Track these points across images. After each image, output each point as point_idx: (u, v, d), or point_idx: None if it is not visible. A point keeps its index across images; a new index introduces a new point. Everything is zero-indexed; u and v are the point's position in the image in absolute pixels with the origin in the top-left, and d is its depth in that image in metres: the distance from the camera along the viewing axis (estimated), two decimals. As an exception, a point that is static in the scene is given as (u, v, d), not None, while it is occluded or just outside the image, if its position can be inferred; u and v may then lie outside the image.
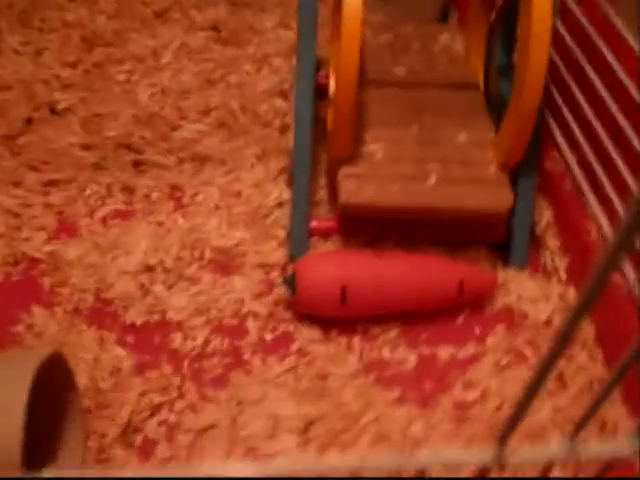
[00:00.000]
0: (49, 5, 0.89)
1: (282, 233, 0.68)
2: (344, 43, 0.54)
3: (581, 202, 0.66)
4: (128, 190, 0.71)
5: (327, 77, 0.73)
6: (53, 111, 0.78)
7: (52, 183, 0.71)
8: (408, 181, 0.62)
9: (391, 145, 0.65)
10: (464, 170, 0.63)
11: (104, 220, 0.68)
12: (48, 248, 0.66)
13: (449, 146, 0.66)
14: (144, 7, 0.90)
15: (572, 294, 0.64)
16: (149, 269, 0.64)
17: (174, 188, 0.72)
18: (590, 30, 0.65)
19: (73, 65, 0.82)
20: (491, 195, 0.61)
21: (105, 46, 0.84)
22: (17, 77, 0.80)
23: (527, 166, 0.64)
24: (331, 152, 0.65)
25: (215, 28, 0.90)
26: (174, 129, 0.76)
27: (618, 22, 0.61)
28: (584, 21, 0.67)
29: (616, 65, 0.60)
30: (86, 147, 0.74)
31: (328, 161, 0.71)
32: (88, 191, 0.70)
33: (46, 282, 0.63)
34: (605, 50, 0.62)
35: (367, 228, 0.66)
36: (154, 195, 0.71)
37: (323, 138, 0.71)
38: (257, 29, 0.90)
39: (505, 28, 0.71)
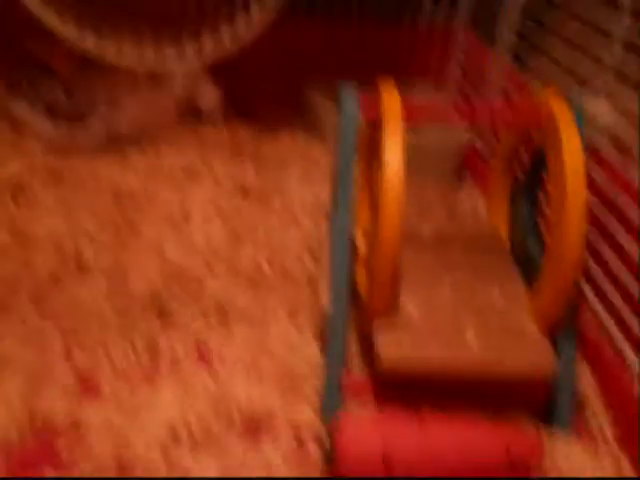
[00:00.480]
0: (83, 165, 0.93)
1: (314, 393, 0.65)
2: (386, 212, 0.55)
3: (621, 361, 0.64)
4: (154, 348, 0.69)
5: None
6: (81, 267, 0.78)
7: (76, 343, 0.69)
8: (447, 344, 0.60)
9: (427, 304, 0.65)
10: (503, 333, 0.62)
11: (128, 380, 0.65)
12: (68, 409, 0.62)
13: (484, 307, 0.65)
14: (174, 167, 0.94)
15: (623, 463, 0.60)
16: (174, 434, 0.61)
17: (201, 345, 0.70)
18: (612, 189, 0.68)
19: (103, 223, 0.83)
20: (533, 357, 0.60)
21: (136, 204, 0.86)
22: (47, 232, 0.81)
23: (566, 326, 0.63)
24: (366, 314, 0.64)
25: (242, 186, 0.93)
26: (202, 285, 0.76)
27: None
28: (602, 181, 0.69)
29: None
30: (112, 304, 0.73)
31: (361, 320, 0.70)
32: (113, 351, 0.68)
33: (63, 445, 0.59)
34: (631, 209, 0.64)
35: (403, 388, 0.64)
36: (180, 353, 0.69)
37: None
38: (282, 185, 0.94)
39: (528, 187, 0.74)
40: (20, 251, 0.79)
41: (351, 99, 0.62)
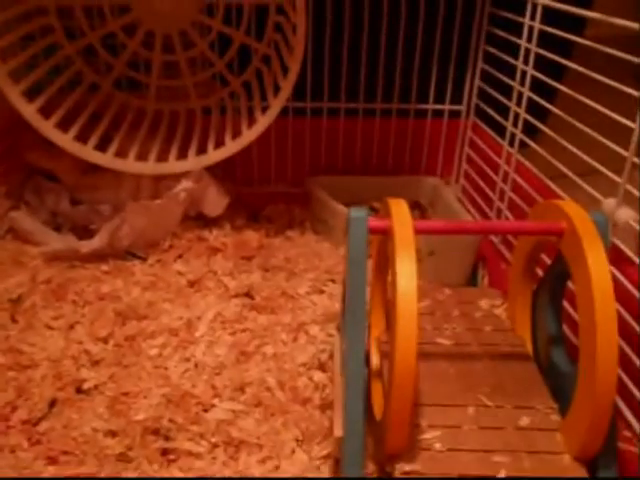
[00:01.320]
0: (85, 278, 0.90)
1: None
2: (400, 339, 0.51)
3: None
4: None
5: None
6: (79, 390, 0.73)
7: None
8: (475, 480, 0.55)
9: (449, 432, 0.59)
10: (535, 464, 0.56)
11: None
12: None
13: (512, 432, 0.60)
14: (179, 277, 0.91)
15: None
16: None
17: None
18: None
19: (104, 340, 0.80)
20: (573, 496, 0.54)
21: (138, 319, 0.83)
22: (45, 354, 0.77)
23: (605, 454, 0.57)
24: (381, 441, 0.59)
25: (249, 294, 0.90)
26: (206, 410, 0.71)
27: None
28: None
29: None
30: (111, 433, 0.68)
31: (376, 444, 0.65)
32: (109, 487, 0.62)
33: None
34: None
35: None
36: (183, 489, 0.63)
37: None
38: (290, 295, 0.90)
39: (552, 294, 0.70)
40: (15, 374, 0.75)
41: (361, 225, 0.59)
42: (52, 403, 0.72)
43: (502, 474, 0.55)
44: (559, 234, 0.60)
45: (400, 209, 0.60)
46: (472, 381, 0.66)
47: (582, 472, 0.56)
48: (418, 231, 0.58)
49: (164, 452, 0.67)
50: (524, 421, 0.61)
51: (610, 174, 0.69)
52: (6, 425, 0.69)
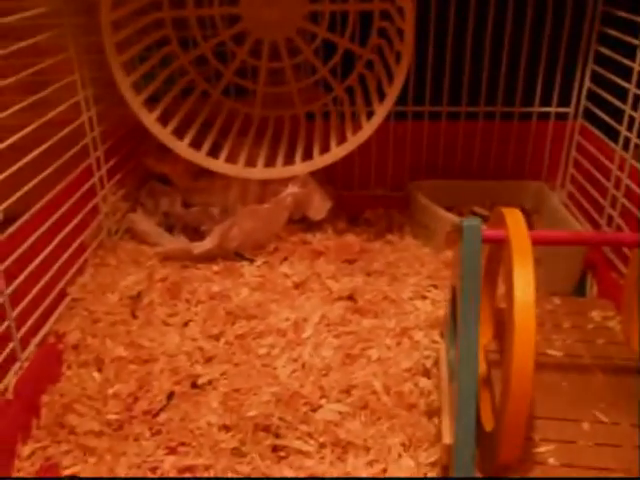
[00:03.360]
0: (198, 277, 0.95)
1: None
2: (517, 351, 0.51)
3: None
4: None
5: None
6: (194, 385, 0.78)
7: (189, 469, 0.67)
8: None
9: (563, 447, 0.58)
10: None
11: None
12: None
13: (630, 451, 0.58)
14: (285, 279, 0.94)
15: None
16: None
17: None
18: None
19: (216, 337, 0.84)
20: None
21: (248, 319, 0.86)
22: (163, 349, 0.82)
23: None
24: (492, 452, 0.58)
25: (351, 298, 0.91)
26: (314, 410, 0.73)
27: None
28: None
29: None
30: (226, 428, 0.71)
31: (483, 453, 0.64)
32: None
33: None
34: None
35: None
36: (292, 485, 0.65)
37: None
38: (393, 299, 0.91)
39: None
40: (137, 367, 0.80)
41: (475, 239, 0.59)
42: (170, 396, 0.76)
43: (621, 494, 0.54)
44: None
45: (515, 218, 0.60)
46: (586, 395, 0.65)
47: None
48: (535, 242, 0.57)
49: (274, 449, 0.69)
50: (643, 441, 0.59)
51: None
52: (129, 415, 0.74)
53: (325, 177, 1.11)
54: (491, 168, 1.19)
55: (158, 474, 0.67)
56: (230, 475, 0.66)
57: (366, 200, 1.20)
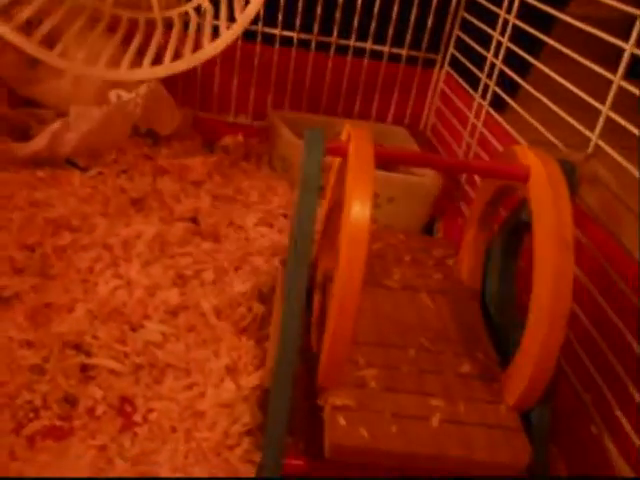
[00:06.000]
0: (17, 182, 0.84)
1: (250, 468, 0.56)
2: (345, 271, 0.48)
3: (601, 447, 0.57)
4: (69, 401, 0.59)
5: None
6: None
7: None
8: (407, 421, 0.52)
9: (386, 372, 0.57)
10: (471, 411, 0.54)
11: (32, 440, 0.55)
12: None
13: (452, 378, 0.57)
14: (121, 193, 0.85)
15: None
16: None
17: (125, 401, 0.60)
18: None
19: (31, 248, 0.74)
20: (506, 445, 0.52)
21: (71, 231, 0.77)
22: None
23: (540, 408, 0.56)
24: (317, 377, 0.55)
25: (194, 220, 0.85)
26: (134, 329, 0.66)
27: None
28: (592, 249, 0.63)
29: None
30: (28, 344, 0.63)
31: (312, 382, 0.62)
32: (19, 400, 0.58)
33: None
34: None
35: (354, 470, 0.55)
36: (99, 409, 0.59)
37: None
38: (238, 225, 0.85)
39: (507, 247, 0.68)
40: None
41: (317, 148, 0.55)
42: (-34, 308, 0.66)
43: (436, 417, 0.53)
44: (525, 178, 0.57)
45: (362, 132, 0.56)
46: (416, 325, 0.64)
47: (516, 421, 0.54)
48: (380, 155, 0.54)
49: (83, 368, 0.62)
50: (464, 368, 0.59)
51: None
52: None
53: (182, 96, 1.02)
54: (357, 108, 1.16)
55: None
56: (25, 393, 0.58)
57: (225, 126, 1.12)
